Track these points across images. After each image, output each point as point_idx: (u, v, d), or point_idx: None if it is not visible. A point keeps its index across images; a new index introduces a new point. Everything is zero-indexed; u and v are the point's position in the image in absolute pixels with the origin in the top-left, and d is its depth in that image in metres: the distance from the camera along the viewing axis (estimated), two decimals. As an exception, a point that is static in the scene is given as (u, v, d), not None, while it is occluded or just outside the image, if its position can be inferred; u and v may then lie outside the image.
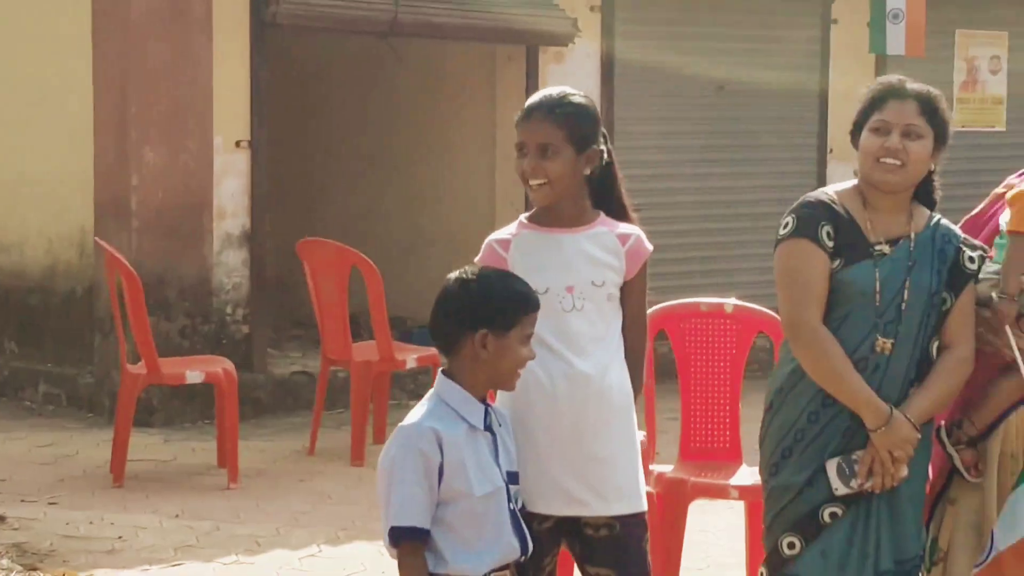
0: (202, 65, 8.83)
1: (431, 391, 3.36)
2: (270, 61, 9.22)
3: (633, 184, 9.41)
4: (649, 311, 4.96)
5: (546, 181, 3.50)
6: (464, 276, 3.36)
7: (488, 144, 10.44)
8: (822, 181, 10.26)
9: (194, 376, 7.60)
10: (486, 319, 3.24)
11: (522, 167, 3.56)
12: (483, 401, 3.35)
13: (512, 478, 3.39)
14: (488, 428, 3.34)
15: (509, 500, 3.35)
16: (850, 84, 10.63)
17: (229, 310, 9.09)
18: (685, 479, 5.26)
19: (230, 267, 9.08)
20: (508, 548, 3.28)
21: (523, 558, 3.37)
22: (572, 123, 3.52)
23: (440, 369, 3.38)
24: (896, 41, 10.44)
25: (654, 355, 5.41)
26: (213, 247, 8.97)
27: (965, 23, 11.77)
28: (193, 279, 8.85)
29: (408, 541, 3.16)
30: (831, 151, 10.91)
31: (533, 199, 3.62)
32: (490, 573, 3.29)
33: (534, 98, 3.66)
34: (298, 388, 9.22)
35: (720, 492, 5.40)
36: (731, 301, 5.72)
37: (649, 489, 4.74)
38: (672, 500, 5.22)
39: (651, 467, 5.26)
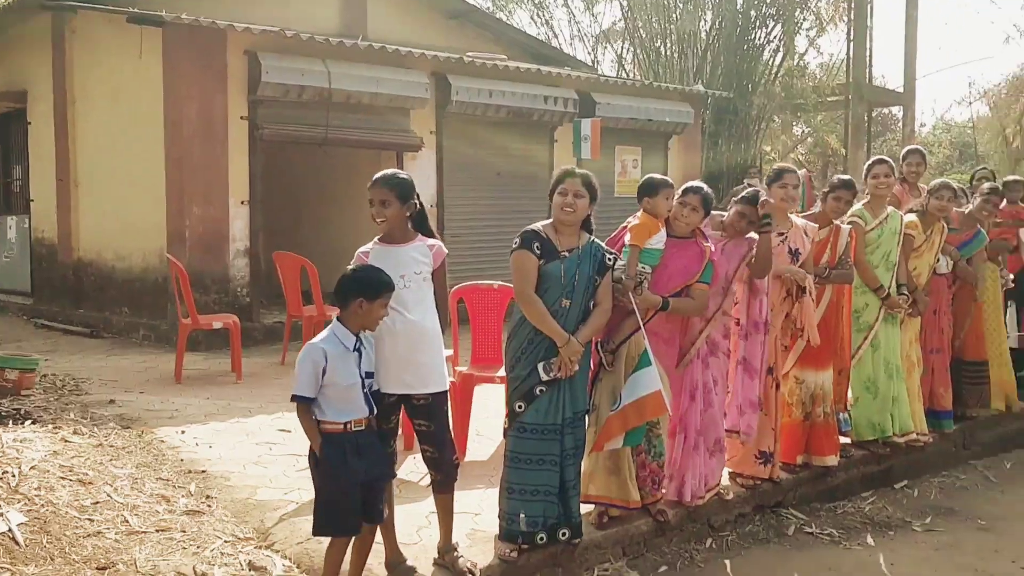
0: (222, 160, 9.37)
1: (329, 326, 3.64)
2: (260, 157, 9.68)
3: (454, 223, 11.27)
4: (455, 287, 5.79)
5: (385, 219, 3.81)
6: (354, 268, 3.68)
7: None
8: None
9: (217, 324, 8.07)
10: (363, 292, 3.55)
11: (372, 212, 3.83)
12: (356, 334, 3.60)
13: (369, 375, 3.67)
14: (357, 349, 3.61)
15: (364, 387, 3.62)
16: (563, 172, 12.18)
17: (239, 289, 9.61)
18: (473, 374, 5.66)
19: (238, 267, 9.61)
20: (360, 410, 3.59)
21: (372, 416, 3.63)
22: (398, 188, 3.81)
23: (336, 316, 3.65)
24: (586, 151, 11.51)
25: (458, 311, 5.77)
26: (229, 256, 9.52)
27: (620, 143, 12.87)
28: (220, 274, 9.46)
29: (301, 403, 3.54)
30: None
31: (379, 228, 3.89)
32: (350, 422, 3.54)
33: (377, 175, 3.85)
34: (276, 331, 9.42)
35: (491, 380, 5.61)
36: (497, 283, 5.90)
37: (453, 379, 5.28)
38: (466, 385, 5.60)
39: (457, 368, 5.70)
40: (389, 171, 3.92)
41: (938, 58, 57.54)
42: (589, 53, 22.43)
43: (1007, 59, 59.37)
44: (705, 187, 4.61)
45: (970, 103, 29.06)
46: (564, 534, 4.20)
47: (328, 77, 9.77)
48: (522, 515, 4.10)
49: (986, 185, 6.65)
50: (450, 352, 5.92)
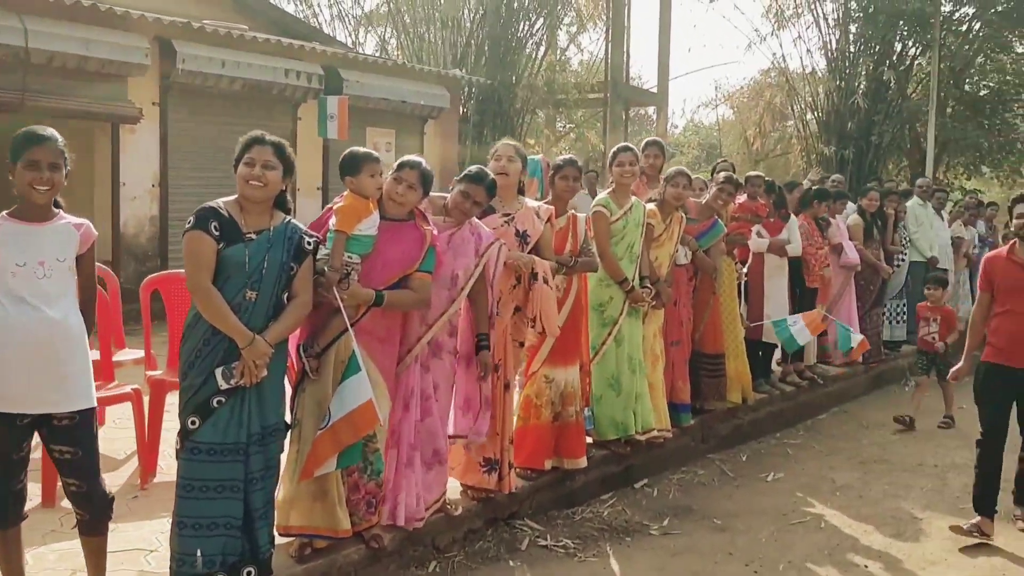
0: None
1: None
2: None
3: (180, 205, 10.16)
4: (149, 277, 5.44)
5: (52, 188, 3.25)
6: None
7: (88, 182, 9.85)
8: (293, 201, 10.71)
9: None
10: None
11: (32, 179, 3.19)
12: None
13: None
14: None
15: None
16: (309, 153, 11.15)
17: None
18: (166, 379, 5.05)
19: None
20: None
21: None
22: (65, 151, 3.27)
23: None
24: (333, 130, 10.87)
25: (152, 305, 5.32)
26: None
27: (371, 124, 12.46)
28: None
29: None
30: (299, 189, 11.06)
31: (35, 200, 3.23)
32: None
33: (39, 130, 3.28)
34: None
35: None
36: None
37: (139, 386, 5.01)
38: (158, 392, 5.05)
39: (149, 372, 5.28)
40: (47, 128, 3.29)
41: (687, 60, 61.32)
42: (351, 35, 21.62)
43: (750, 64, 64.33)
44: (423, 162, 4.11)
45: (716, 106, 30.75)
46: (250, 573, 3.55)
47: (24, 35, 8.71)
48: (198, 553, 3.45)
49: (722, 175, 6.56)
50: (136, 355, 5.44)
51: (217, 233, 3.41)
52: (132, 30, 9.51)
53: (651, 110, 28.79)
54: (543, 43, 19.94)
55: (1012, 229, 5.11)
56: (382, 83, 12.25)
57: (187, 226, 3.45)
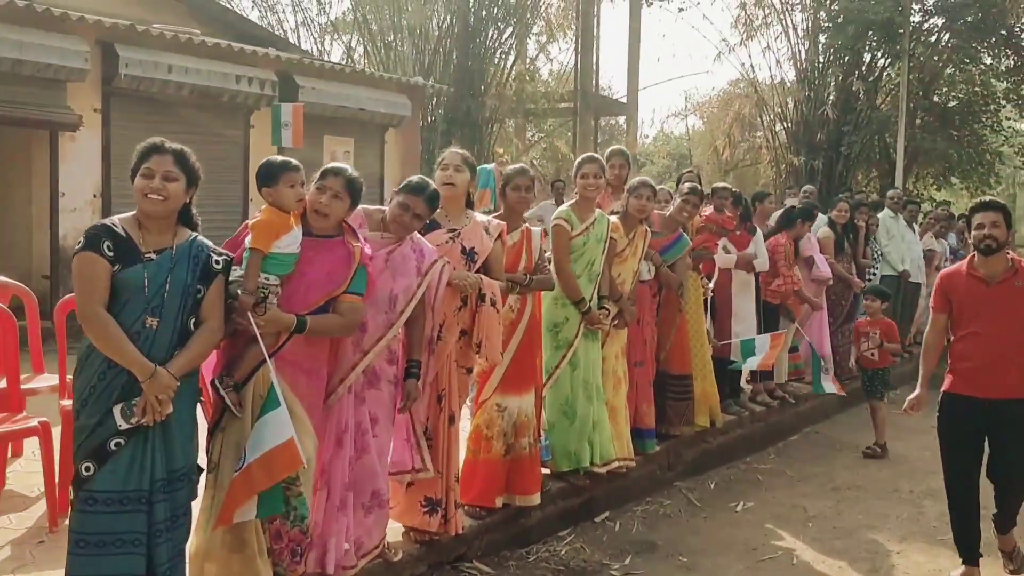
0: None
1: None
2: None
3: (120, 210, 9.28)
4: (65, 297, 4.88)
5: None
6: None
7: (24, 193, 9.16)
8: (245, 214, 10.06)
9: None
10: None
11: None
12: None
13: None
14: None
15: None
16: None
17: None
18: None
19: None
20: None
21: None
22: None
23: None
24: (287, 139, 10.53)
25: (68, 327, 4.74)
26: None
27: (329, 133, 12.06)
28: None
29: None
30: (252, 200, 10.72)
31: None
32: None
33: None
34: None
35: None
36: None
37: (45, 419, 4.53)
38: (71, 423, 4.20)
39: (61, 402, 4.76)
40: None
41: (657, 70, 61.41)
42: (316, 43, 21.17)
43: (720, 74, 64.59)
44: (350, 168, 3.71)
45: (685, 116, 30.59)
46: (153, 637, 3.18)
47: (-46, 37, 8.12)
48: (94, 617, 3.06)
49: (686, 186, 6.22)
50: (53, 381, 4.94)
51: (111, 254, 3.07)
52: (71, 32, 9.02)
53: (621, 120, 28.58)
54: (512, 52, 19.83)
55: (971, 240, 4.59)
56: (340, 90, 11.84)
57: (77, 246, 3.10)
